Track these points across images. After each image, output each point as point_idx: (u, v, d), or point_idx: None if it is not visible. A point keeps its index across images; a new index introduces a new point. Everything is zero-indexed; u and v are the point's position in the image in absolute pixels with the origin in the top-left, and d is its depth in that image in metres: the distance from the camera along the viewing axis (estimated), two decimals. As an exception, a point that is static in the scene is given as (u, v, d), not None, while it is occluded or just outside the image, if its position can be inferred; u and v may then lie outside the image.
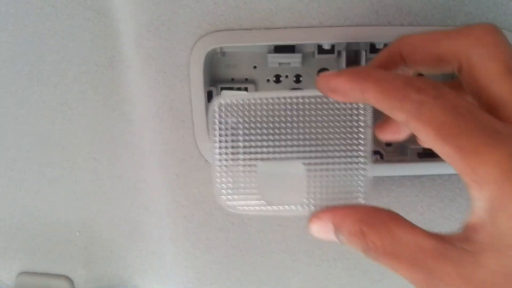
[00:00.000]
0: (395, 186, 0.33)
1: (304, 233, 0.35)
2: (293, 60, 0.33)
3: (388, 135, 0.28)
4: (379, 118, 0.28)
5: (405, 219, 0.22)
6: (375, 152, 0.34)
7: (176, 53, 0.32)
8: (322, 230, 0.25)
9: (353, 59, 0.32)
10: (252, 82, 0.34)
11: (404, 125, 0.20)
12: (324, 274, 0.36)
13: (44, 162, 0.39)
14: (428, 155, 0.32)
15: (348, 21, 0.30)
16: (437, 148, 0.20)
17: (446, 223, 0.34)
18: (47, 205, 0.40)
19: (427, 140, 0.20)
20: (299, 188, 0.28)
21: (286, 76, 0.34)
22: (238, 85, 0.34)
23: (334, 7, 0.30)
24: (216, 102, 0.28)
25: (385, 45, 0.31)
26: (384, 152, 0.34)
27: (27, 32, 0.35)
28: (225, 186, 0.29)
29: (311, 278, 0.36)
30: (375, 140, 0.33)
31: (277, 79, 0.34)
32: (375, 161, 0.33)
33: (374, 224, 0.21)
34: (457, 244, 0.19)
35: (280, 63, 0.33)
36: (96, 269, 0.42)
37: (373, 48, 0.32)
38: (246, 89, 0.34)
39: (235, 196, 0.29)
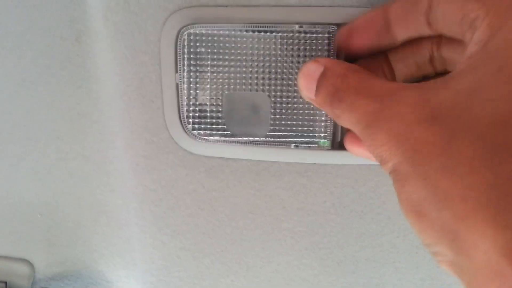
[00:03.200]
0: (372, 175, 0.33)
1: (276, 220, 0.34)
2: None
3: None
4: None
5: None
6: None
7: (146, 29, 0.30)
8: (313, 71, 0.25)
9: None
10: None
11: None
12: (296, 264, 0.35)
13: (5, 140, 0.37)
14: None
15: (336, 2, 0.29)
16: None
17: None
18: (8, 185, 0.39)
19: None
20: (264, 121, 0.28)
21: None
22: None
23: None
24: (185, 31, 0.27)
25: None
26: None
27: (-12, 0, 0.33)
28: (191, 115, 0.29)
29: (283, 267, 0.35)
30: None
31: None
32: None
33: (357, 72, 0.24)
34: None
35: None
36: (58, 253, 0.41)
37: None
38: None
39: (201, 125, 0.29)
